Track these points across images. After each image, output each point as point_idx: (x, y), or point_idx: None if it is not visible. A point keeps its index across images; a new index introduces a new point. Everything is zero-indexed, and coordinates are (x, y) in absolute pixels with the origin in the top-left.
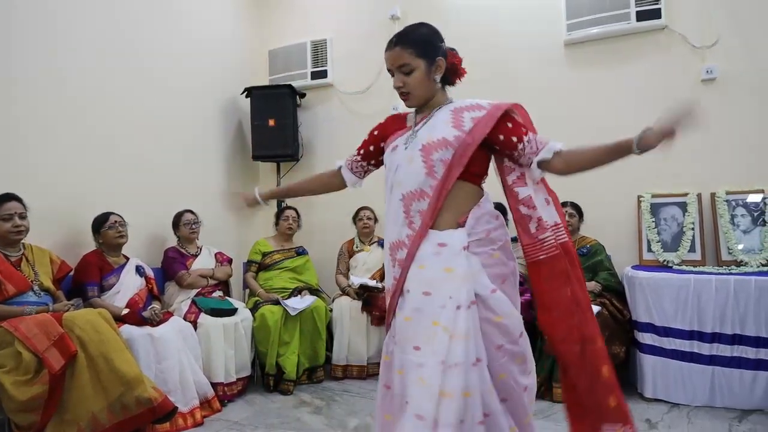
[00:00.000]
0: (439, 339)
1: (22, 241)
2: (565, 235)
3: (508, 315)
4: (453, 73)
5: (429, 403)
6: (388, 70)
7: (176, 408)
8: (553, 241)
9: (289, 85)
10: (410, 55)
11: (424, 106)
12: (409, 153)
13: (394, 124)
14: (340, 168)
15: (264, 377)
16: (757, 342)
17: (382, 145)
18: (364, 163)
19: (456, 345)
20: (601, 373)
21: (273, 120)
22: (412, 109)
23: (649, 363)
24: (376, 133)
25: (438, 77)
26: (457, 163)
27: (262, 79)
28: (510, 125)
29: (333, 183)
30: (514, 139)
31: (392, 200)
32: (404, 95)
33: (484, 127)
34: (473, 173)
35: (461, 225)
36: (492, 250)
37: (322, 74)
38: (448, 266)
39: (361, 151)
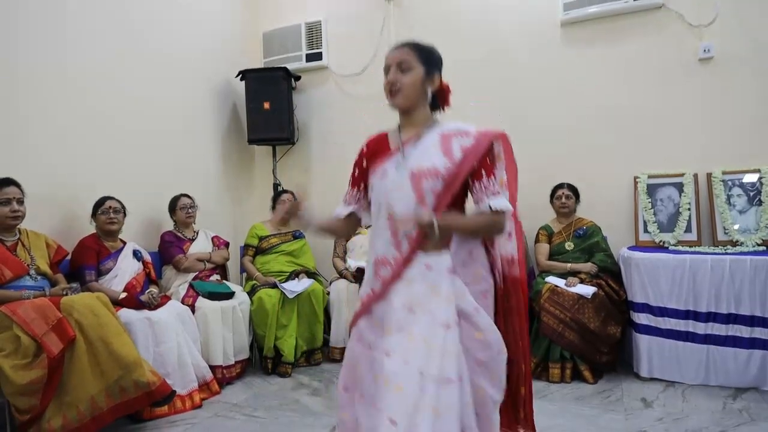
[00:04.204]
0: (420, 353)
1: (18, 226)
2: (518, 270)
3: (490, 331)
4: (442, 98)
5: (405, 413)
6: (385, 70)
7: (174, 392)
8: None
9: (284, 68)
10: (414, 57)
11: (409, 120)
12: (399, 179)
13: (376, 147)
14: (347, 214)
15: (262, 360)
16: (752, 321)
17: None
18: (362, 195)
19: (446, 362)
20: (520, 391)
21: (268, 103)
22: (383, 130)
23: (644, 342)
24: (364, 165)
25: (430, 91)
26: (446, 192)
27: (257, 62)
28: (488, 160)
29: (348, 227)
30: (483, 172)
31: (380, 218)
32: (393, 93)
33: (472, 160)
34: (458, 199)
35: (446, 247)
36: (475, 268)
37: (317, 56)
38: (435, 285)
39: (356, 188)
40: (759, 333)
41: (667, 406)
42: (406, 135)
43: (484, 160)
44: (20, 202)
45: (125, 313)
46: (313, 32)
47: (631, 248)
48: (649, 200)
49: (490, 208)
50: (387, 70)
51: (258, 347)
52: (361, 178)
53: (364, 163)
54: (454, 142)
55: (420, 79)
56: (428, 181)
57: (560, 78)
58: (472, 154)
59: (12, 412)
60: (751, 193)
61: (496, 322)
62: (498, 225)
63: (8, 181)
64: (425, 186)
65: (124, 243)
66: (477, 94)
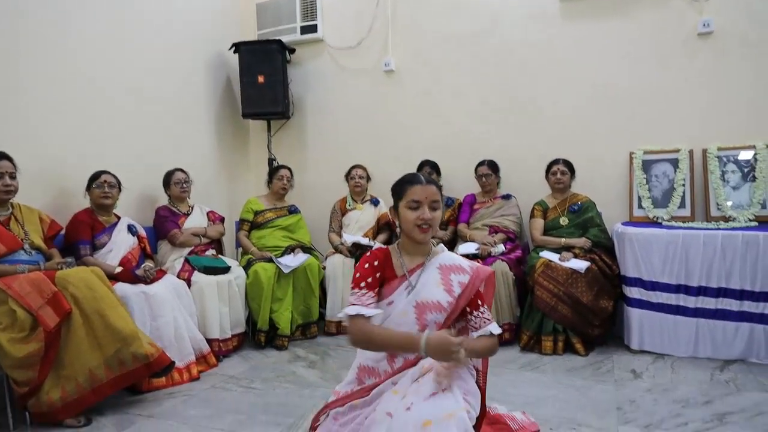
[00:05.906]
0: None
1: (11, 201)
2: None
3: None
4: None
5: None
6: (415, 201)
7: (173, 362)
8: None
9: (279, 41)
10: (440, 197)
11: (416, 249)
12: (404, 308)
13: (384, 265)
14: (366, 316)
15: (255, 333)
16: (741, 295)
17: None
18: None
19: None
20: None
21: (262, 76)
22: (376, 245)
23: (635, 316)
24: (378, 275)
25: None
26: (446, 322)
27: (251, 34)
28: (480, 290)
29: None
30: (479, 302)
31: None
32: (425, 229)
33: (468, 295)
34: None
35: None
36: (467, 368)
37: (312, 29)
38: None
39: (372, 291)
40: (747, 306)
41: (657, 377)
42: (411, 263)
43: (479, 293)
44: (12, 176)
45: (121, 288)
46: (308, 4)
47: (625, 224)
48: (644, 176)
49: (491, 333)
50: (416, 204)
51: (252, 321)
52: (376, 284)
53: (378, 274)
54: (452, 278)
55: (441, 215)
56: (432, 313)
57: (559, 53)
58: (468, 290)
59: (11, 384)
60: (746, 170)
61: None
62: (497, 346)
63: (0, 155)
64: (429, 317)
65: (119, 218)
66: (474, 68)
